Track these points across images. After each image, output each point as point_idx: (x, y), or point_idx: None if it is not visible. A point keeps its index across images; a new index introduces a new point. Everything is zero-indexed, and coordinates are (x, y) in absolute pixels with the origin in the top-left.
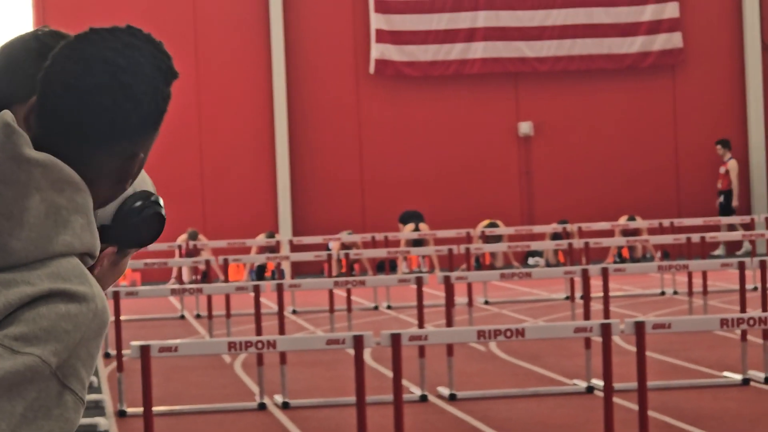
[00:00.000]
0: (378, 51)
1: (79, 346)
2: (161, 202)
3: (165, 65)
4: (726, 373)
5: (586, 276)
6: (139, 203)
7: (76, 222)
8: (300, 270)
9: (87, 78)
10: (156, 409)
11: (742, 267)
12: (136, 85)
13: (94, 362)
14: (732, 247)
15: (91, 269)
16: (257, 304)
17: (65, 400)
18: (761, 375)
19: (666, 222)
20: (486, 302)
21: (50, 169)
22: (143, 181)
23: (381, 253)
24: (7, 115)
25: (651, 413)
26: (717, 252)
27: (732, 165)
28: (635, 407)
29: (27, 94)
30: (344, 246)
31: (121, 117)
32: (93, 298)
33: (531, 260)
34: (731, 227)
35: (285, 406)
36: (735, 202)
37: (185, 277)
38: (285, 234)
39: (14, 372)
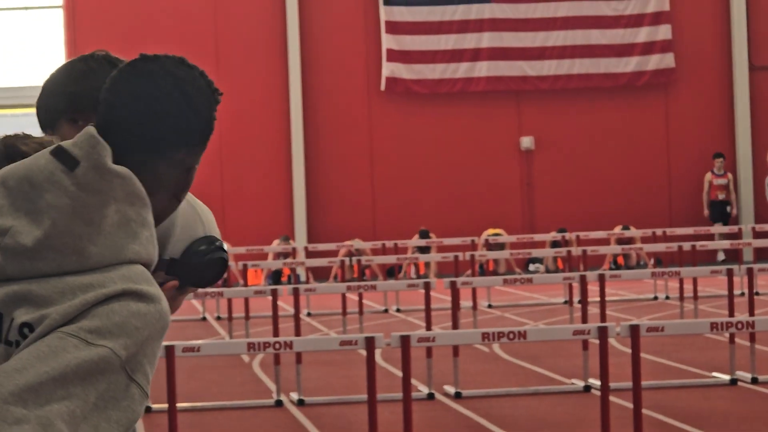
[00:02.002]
0: (388, 69)
1: (146, 343)
2: (225, 247)
3: (213, 87)
4: (715, 374)
5: (583, 282)
6: (204, 246)
7: (143, 234)
8: (315, 275)
9: (152, 88)
10: (179, 405)
11: (730, 274)
12: (196, 96)
13: (156, 360)
14: (733, 255)
15: None
16: (274, 307)
17: (132, 393)
18: (748, 375)
19: (659, 231)
20: (490, 306)
21: (128, 182)
22: (212, 227)
23: (391, 259)
24: (91, 128)
25: (645, 411)
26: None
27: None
28: (630, 405)
29: (67, 108)
30: (350, 253)
31: (184, 124)
32: (160, 300)
33: (532, 267)
34: (728, 236)
35: (300, 403)
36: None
37: None
38: (300, 241)
39: (89, 361)
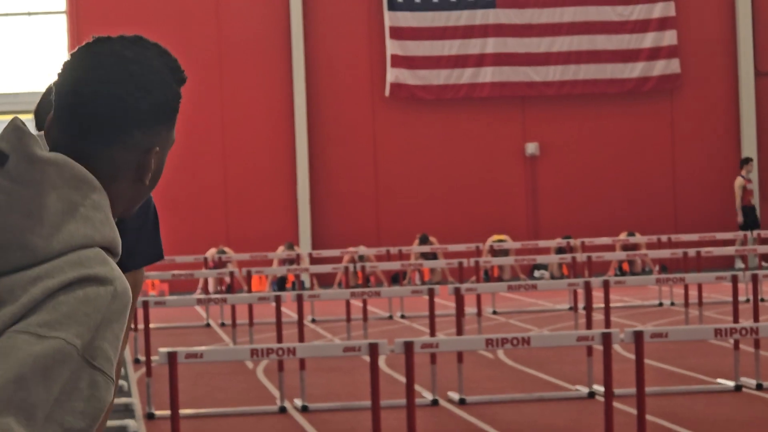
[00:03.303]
0: (393, 75)
1: (101, 327)
2: None
3: (173, 65)
4: (719, 380)
5: (588, 288)
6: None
7: (95, 217)
8: (319, 281)
9: (97, 70)
10: (183, 411)
11: (735, 280)
12: (145, 75)
13: (119, 342)
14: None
15: None
16: (278, 314)
17: (96, 380)
18: (753, 382)
19: (664, 237)
20: (494, 312)
21: (63, 167)
22: None
23: (395, 265)
24: (17, 119)
25: (649, 417)
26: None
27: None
28: (634, 412)
29: (49, 107)
30: (355, 259)
31: (132, 105)
32: (112, 281)
33: (536, 273)
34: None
35: (304, 409)
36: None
37: (210, 287)
38: (304, 247)
39: (44, 355)
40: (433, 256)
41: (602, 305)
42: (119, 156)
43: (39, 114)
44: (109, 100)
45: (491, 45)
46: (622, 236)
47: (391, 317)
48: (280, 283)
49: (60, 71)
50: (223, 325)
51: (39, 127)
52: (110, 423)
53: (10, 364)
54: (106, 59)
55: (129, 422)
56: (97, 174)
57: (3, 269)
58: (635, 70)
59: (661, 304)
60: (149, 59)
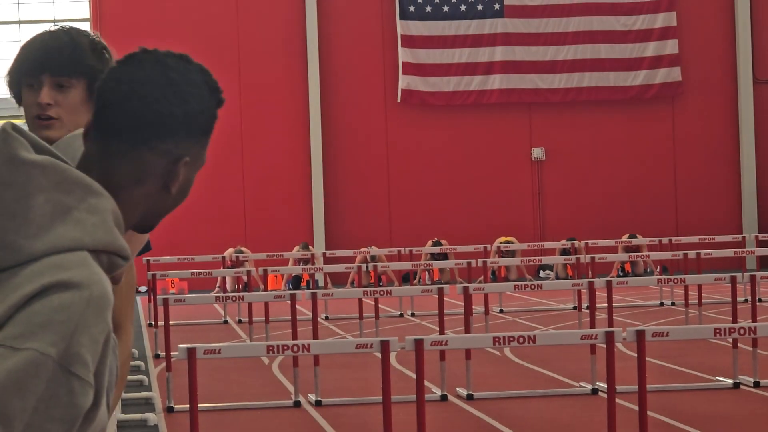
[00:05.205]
0: (404, 82)
1: (77, 333)
2: None
3: (213, 85)
4: (718, 378)
5: (591, 288)
6: None
7: (88, 220)
8: (333, 280)
9: (138, 72)
10: (201, 405)
11: (734, 281)
12: (184, 85)
13: (99, 345)
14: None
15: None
16: (293, 311)
17: (72, 387)
18: (750, 379)
19: (665, 239)
20: (501, 311)
21: (50, 170)
22: None
23: (406, 265)
24: (8, 124)
25: (650, 413)
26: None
27: None
28: (636, 408)
29: (20, 76)
30: (367, 259)
31: (167, 109)
32: (88, 285)
33: (542, 273)
34: None
35: (318, 403)
36: None
37: (228, 286)
38: (319, 247)
39: (17, 369)
40: (442, 256)
41: (605, 305)
42: (148, 159)
43: (10, 89)
44: (145, 100)
45: (499, 53)
46: (625, 238)
47: (401, 315)
48: (295, 282)
49: (105, 74)
50: (240, 322)
51: (17, 101)
52: (131, 416)
53: None
54: (148, 64)
55: (149, 415)
56: (122, 174)
57: None
58: (638, 78)
59: (662, 304)
60: (191, 72)
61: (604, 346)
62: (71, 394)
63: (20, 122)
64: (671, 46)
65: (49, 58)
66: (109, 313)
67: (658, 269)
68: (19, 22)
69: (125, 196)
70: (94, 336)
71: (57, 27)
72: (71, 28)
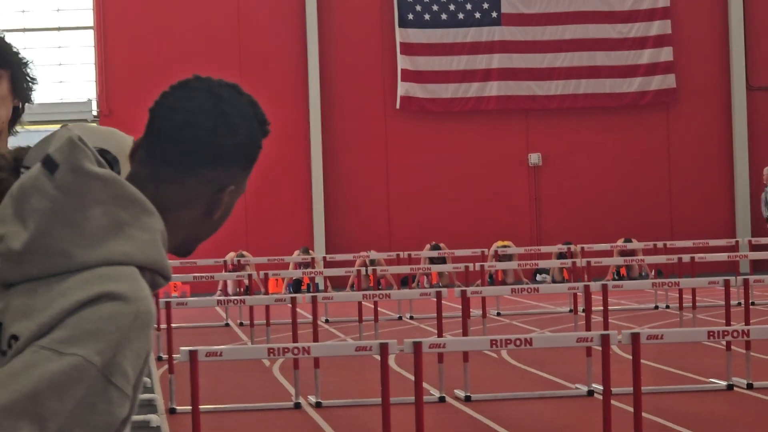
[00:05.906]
0: (403, 89)
1: (122, 345)
2: None
3: (261, 117)
4: (712, 380)
5: (587, 291)
6: None
7: (140, 237)
8: (332, 284)
9: (191, 102)
10: (203, 407)
11: (727, 285)
12: (235, 116)
13: (140, 359)
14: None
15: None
16: (294, 314)
17: (110, 396)
18: (744, 381)
19: (660, 243)
20: (498, 314)
21: (110, 184)
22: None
23: (404, 269)
24: (73, 133)
25: (645, 415)
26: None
27: None
28: (631, 409)
29: None
30: (366, 263)
31: (218, 141)
32: (136, 300)
33: (539, 277)
34: None
35: (318, 405)
36: None
37: (230, 289)
38: (319, 251)
39: (61, 372)
40: (440, 260)
41: (601, 308)
42: (195, 186)
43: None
44: (198, 131)
45: (496, 60)
46: (620, 242)
47: (400, 318)
48: (296, 286)
49: (158, 99)
50: (241, 324)
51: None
52: (134, 417)
53: (29, 379)
54: (201, 94)
55: (152, 417)
56: (170, 198)
57: (43, 273)
58: (633, 84)
59: (656, 307)
60: (242, 104)
61: (600, 348)
62: (109, 403)
63: (54, 128)
64: (666, 54)
65: None
66: (151, 331)
67: (652, 273)
68: (24, 30)
69: (171, 218)
70: (137, 350)
71: None
72: None
